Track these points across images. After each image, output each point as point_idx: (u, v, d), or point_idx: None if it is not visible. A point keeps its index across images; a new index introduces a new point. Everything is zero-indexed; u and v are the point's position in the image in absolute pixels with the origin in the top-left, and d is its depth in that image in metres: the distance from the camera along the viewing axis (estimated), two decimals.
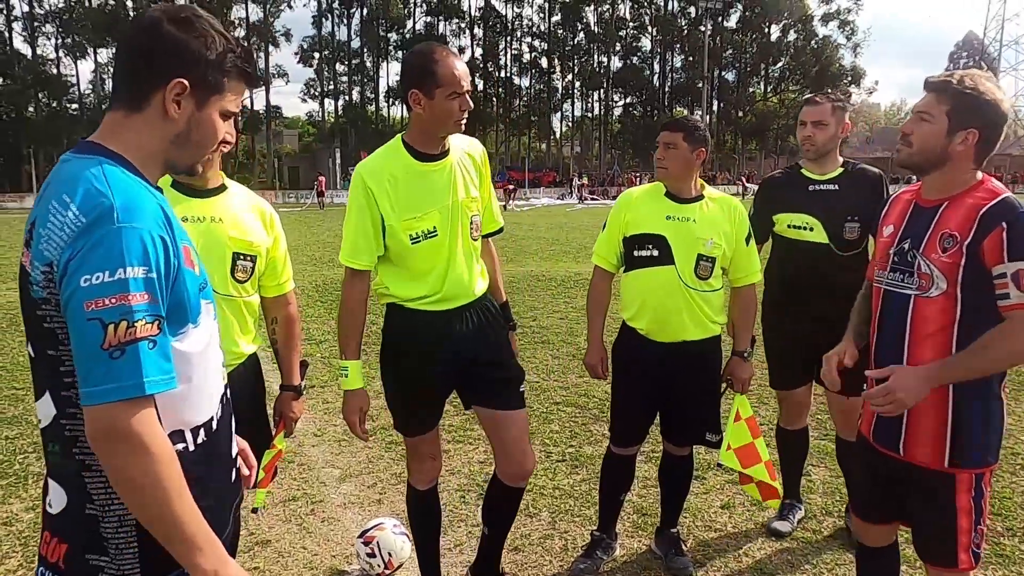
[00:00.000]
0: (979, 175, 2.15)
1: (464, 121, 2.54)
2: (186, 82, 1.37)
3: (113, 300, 1.23)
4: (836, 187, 3.36)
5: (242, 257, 2.45)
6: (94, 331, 1.22)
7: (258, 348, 2.65)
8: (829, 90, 3.45)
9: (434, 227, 2.56)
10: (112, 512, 1.34)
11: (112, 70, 1.47)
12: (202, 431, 1.44)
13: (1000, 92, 2.09)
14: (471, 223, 2.65)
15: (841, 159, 3.44)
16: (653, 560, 3.37)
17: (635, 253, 3.11)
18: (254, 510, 2.73)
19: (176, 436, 1.38)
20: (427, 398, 2.74)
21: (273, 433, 2.74)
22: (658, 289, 3.06)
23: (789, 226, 3.42)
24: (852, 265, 3.21)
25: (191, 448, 1.41)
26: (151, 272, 1.27)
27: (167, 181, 2.41)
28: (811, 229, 3.36)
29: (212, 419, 1.47)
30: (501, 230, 2.90)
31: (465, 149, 2.70)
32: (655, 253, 3.05)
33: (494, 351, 2.76)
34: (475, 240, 2.68)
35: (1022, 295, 1.98)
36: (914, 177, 2.36)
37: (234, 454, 1.60)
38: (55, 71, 55.78)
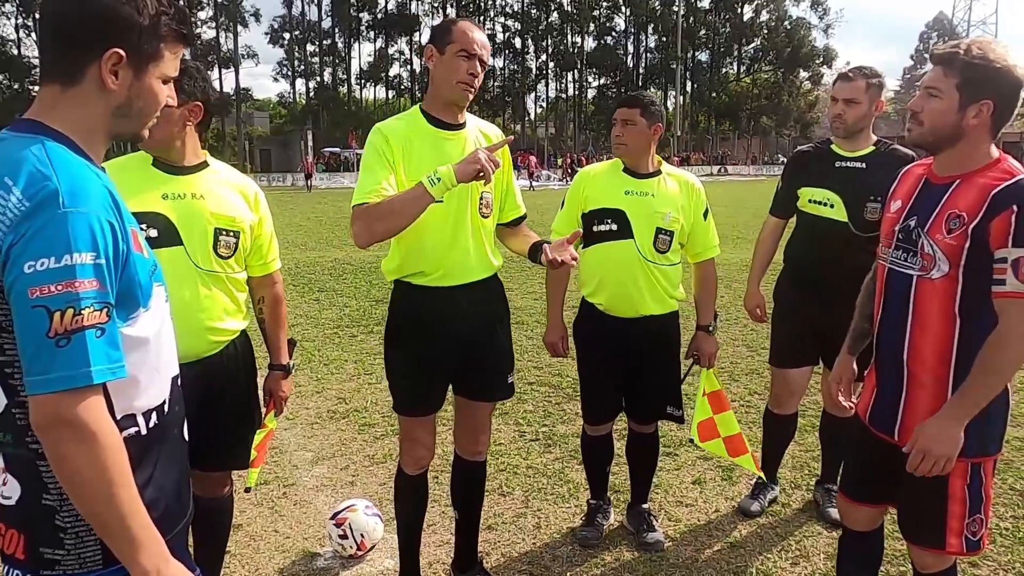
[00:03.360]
0: (995, 152, 2.03)
1: (470, 89, 2.53)
2: (122, 52, 1.31)
3: (59, 287, 1.19)
4: (863, 165, 3.23)
5: (224, 233, 2.42)
6: (39, 319, 1.18)
7: (247, 326, 2.62)
8: (861, 67, 3.26)
9: (441, 194, 2.55)
10: (70, 501, 1.30)
11: (39, 40, 1.39)
12: (154, 414, 1.41)
13: (1012, 56, 1.96)
14: (481, 199, 2.64)
15: (874, 137, 3.30)
16: (626, 535, 3.40)
17: (594, 228, 3.11)
18: (247, 490, 2.73)
19: (128, 420, 1.36)
20: (429, 376, 2.72)
21: (263, 412, 2.75)
22: (617, 263, 3.07)
23: (810, 201, 3.35)
24: (869, 247, 3.05)
25: (143, 432, 1.39)
26: (99, 258, 1.23)
27: (148, 160, 2.37)
28: (832, 206, 3.27)
29: (165, 402, 1.44)
30: (524, 217, 2.86)
31: (483, 129, 2.72)
32: (614, 227, 3.07)
33: (489, 337, 2.78)
34: (485, 217, 2.67)
35: (1018, 284, 1.89)
36: None
37: (187, 436, 1.57)
38: (16, 52, 54.30)
